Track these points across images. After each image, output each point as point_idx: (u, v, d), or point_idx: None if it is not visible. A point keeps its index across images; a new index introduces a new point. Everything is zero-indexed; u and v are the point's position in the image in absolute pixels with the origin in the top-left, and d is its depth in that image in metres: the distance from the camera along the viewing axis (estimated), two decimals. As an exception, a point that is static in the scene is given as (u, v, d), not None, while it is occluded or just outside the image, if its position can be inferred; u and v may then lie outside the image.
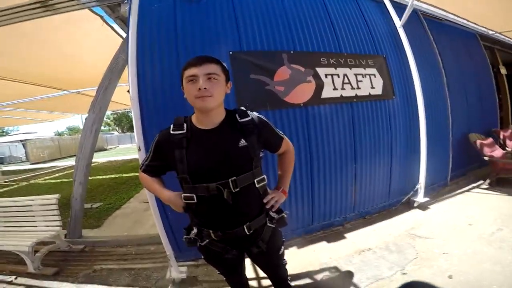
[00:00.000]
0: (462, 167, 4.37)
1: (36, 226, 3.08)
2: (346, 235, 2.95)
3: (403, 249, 2.54)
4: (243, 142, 1.16)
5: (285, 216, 1.33)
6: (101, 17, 3.24)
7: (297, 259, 2.56)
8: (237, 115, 1.20)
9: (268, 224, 1.29)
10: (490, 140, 4.40)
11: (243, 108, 1.26)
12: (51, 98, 7.10)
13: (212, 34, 2.67)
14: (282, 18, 2.96)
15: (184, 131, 1.17)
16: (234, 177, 1.13)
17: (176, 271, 2.40)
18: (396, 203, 3.53)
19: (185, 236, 1.29)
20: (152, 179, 1.33)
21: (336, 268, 2.37)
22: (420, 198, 3.47)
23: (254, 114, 1.25)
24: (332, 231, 3.06)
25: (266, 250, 1.30)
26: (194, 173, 1.15)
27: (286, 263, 1.54)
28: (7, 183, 9.52)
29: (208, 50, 2.58)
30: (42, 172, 12.12)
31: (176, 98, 2.33)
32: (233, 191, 1.13)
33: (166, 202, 1.29)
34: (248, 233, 1.21)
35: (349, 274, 2.26)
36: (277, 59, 2.82)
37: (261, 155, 1.27)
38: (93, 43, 3.95)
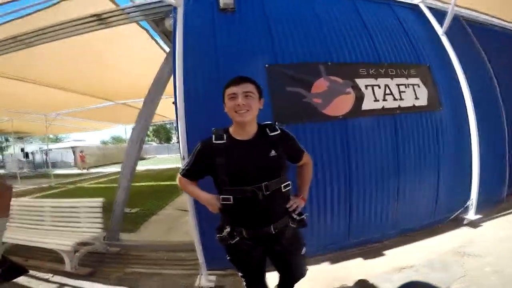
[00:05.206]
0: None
1: (79, 227, 3.22)
2: (384, 252, 2.79)
3: (449, 267, 2.35)
4: (273, 153, 1.36)
5: (305, 218, 1.50)
6: (147, 31, 3.48)
7: (329, 274, 2.47)
8: (267, 129, 1.41)
9: (290, 224, 1.45)
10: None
11: (271, 123, 1.46)
12: (100, 108, 7.76)
13: (248, 47, 2.73)
14: (317, 29, 2.96)
15: (225, 141, 1.37)
16: (266, 182, 1.32)
17: (206, 279, 2.44)
18: (443, 220, 3.27)
19: (217, 235, 1.44)
20: (190, 182, 1.50)
21: (371, 285, 2.23)
22: (471, 215, 3.23)
23: (282, 129, 1.45)
24: (369, 248, 2.90)
25: (288, 249, 1.47)
26: (233, 177, 1.33)
27: (307, 269, 1.67)
28: (57, 185, 10.41)
29: (245, 64, 2.65)
30: (87, 177, 13.11)
31: (218, 111, 2.38)
32: (265, 194, 1.32)
33: (203, 202, 1.45)
34: (273, 232, 1.37)
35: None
36: (314, 71, 2.80)
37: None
38: (139, 56, 4.24)
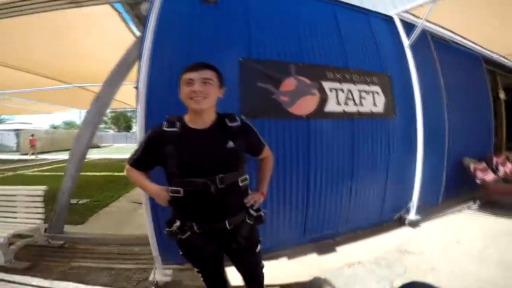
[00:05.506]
0: (455, 188, 4.39)
1: (16, 218, 2.92)
2: (337, 248, 2.94)
3: (393, 264, 2.57)
4: (231, 144, 1.28)
5: (263, 214, 1.43)
6: (120, 13, 3.23)
7: (286, 269, 2.54)
8: (226, 119, 1.34)
9: (247, 220, 1.39)
10: (483, 164, 4.51)
11: (231, 113, 1.38)
12: (54, 91, 7.01)
13: (224, 40, 2.69)
14: (294, 29, 3.01)
15: (177, 129, 1.28)
16: (221, 175, 1.24)
17: (161, 274, 2.33)
18: (388, 219, 3.55)
19: (166, 229, 1.34)
20: (139, 173, 1.39)
21: (324, 281, 2.34)
22: (412, 216, 3.53)
23: (243, 120, 1.39)
24: (323, 244, 3.03)
25: (244, 246, 1.40)
26: (184, 168, 1.25)
27: (263, 266, 1.63)
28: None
29: (219, 56, 2.59)
30: (31, 164, 11.88)
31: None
32: (219, 187, 1.24)
33: (151, 195, 1.39)
34: (229, 228, 1.31)
35: (338, 287, 2.24)
36: (285, 69, 2.85)
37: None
38: (106, 39, 3.93)
